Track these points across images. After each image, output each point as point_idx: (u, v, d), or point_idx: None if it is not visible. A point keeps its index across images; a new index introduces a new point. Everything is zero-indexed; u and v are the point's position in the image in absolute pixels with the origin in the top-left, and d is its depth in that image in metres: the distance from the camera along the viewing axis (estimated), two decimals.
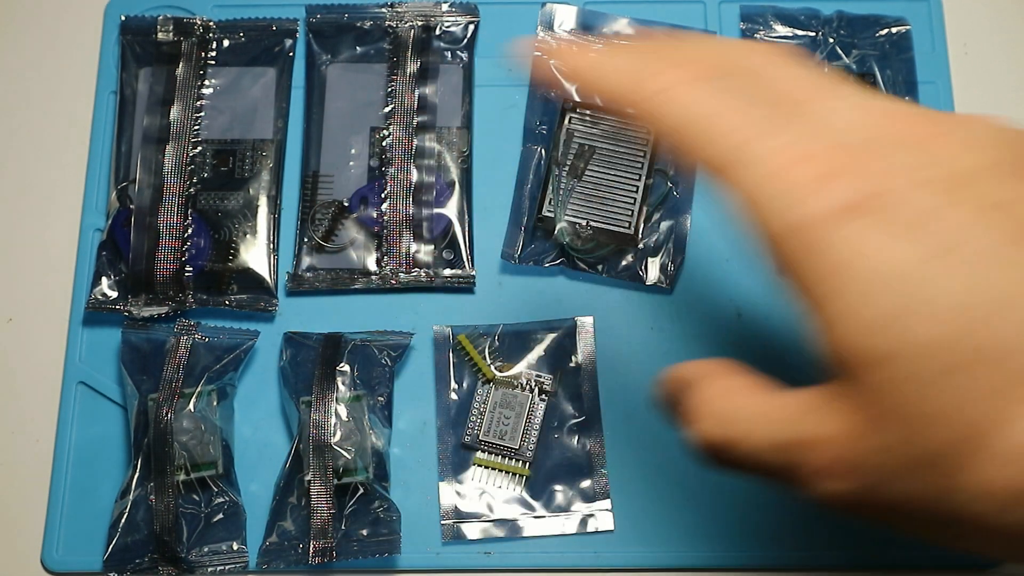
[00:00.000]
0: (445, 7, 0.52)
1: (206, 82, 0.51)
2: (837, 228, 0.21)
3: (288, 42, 0.52)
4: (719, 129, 0.24)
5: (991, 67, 0.53)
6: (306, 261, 0.49)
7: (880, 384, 0.21)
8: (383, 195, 0.49)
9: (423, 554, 0.45)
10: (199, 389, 0.45)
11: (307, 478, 0.44)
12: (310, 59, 0.52)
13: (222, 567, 0.44)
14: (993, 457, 0.20)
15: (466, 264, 0.49)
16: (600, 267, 0.49)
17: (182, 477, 0.44)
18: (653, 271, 0.49)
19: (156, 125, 0.50)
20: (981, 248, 0.20)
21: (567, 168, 0.49)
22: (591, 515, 0.46)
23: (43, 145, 0.52)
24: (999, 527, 0.20)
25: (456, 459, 0.46)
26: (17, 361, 0.49)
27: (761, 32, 0.52)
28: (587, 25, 0.52)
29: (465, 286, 0.49)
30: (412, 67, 0.51)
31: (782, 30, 0.52)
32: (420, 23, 0.52)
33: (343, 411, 0.45)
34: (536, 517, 0.46)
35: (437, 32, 0.52)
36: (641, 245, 0.49)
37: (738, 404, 0.25)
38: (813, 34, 0.52)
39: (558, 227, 0.48)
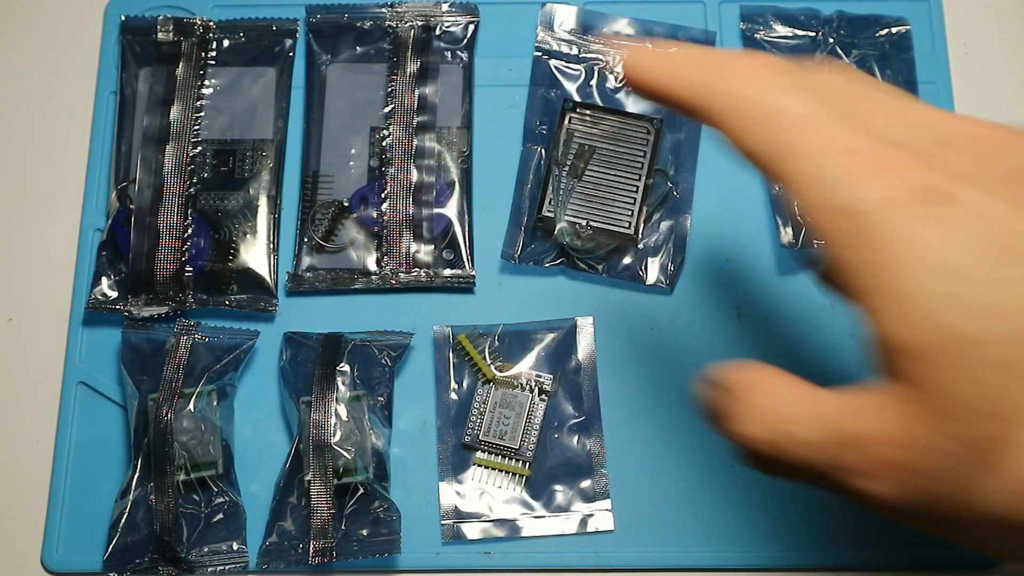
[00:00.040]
0: (445, 7, 0.52)
1: (206, 82, 0.51)
2: (895, 217, 0.21)
3: (288, 42, 0.52)
4: (788, 114, 0.24)
5: (991, 67, 0.53)
6: (306, 261, 0.49)
7: (934, 377, 0.21)
8: (383, 195, 0.49)
9: (423, 554, 0.45)
10: (199, 389, 0.45)
11: (307, 478, 0.44)
12: (310, 59, 0.52)
13: (222, 567, 0.44)
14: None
15: (466, 264, 0.49)
16: (600, 267, 0.49)
17: (182, 477, 0.44)
18: (653, 271, 0.49)
19: (156, 125, 0.50)
20: None
21: (567, 168, 0.49)
22: (591, 515, 0.46)
23: (43, 145, 0.52)
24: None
25: (456, 459, 0.46)
26: (17, 361, 0.49)
27: (761, 32, 0.52)
28: (587, 25, 0.52)
29: (465, 286, 0.49)
30: (412, 67, 0.51)
31: (782, 30, 0.52)
32: (420, 23, 0.52)
33: (343, 411, 0.45)
34: (536, 517, 0.46)
35: (437, 32, 0.52)
36: (641, 245, 0.49)
37: (784, 403, 0.24)
38: (813, 34, 0.52)
39: (558, 227, 0.48)
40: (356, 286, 0.49)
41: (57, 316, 0.49)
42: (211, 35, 0.52)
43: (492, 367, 0.47)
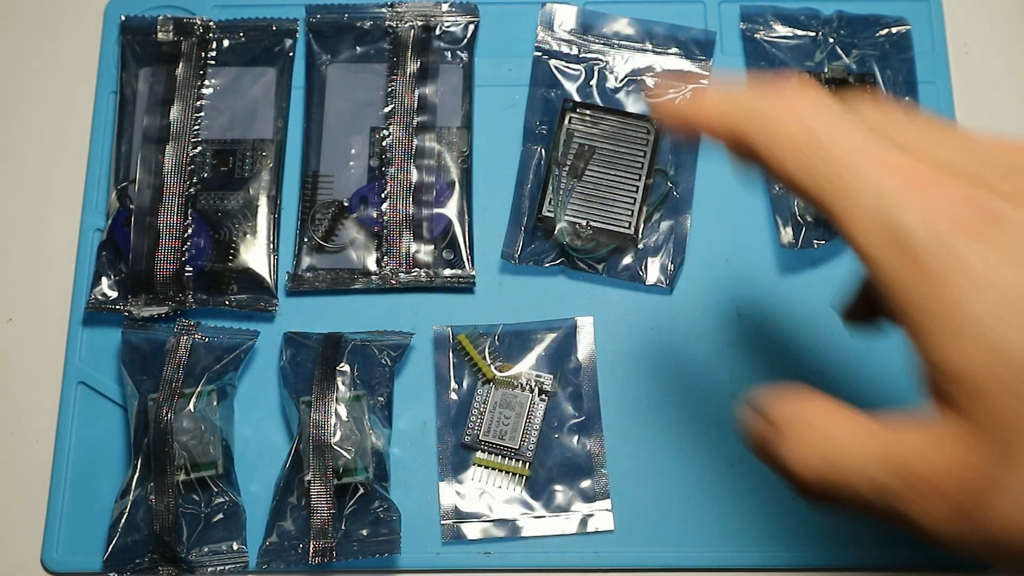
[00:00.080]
0: (445, 7, 0.52)
1: (206, 82, 0.51)
2: (947, 238, 0.21)
3: (288, 42, 0.52)
4: (835, 142, 0.24)
5: (991, 67, 0.53)
6: (306, 261, 0.49)
7: (992, 408, 0.20)
8: (383, 195, 0.49)
9: (423, 554, 0.45)
10: (199, 389, 0.45)
11: (307, 478, 0.44)
12: (310, 59, 0.52)
13: (222, 567, 0.44)
14: None
15: (466, 264, 0.49)
16: (600, 267, 0.49)
17: (182, 477, 0.44)
18: (653, 271, 0.49)
19: (156, 125, 0.50)
20: None
21: (567, 168, 0.49)
22: (591, 515, 0.46)
23: (43, 145, 0.52)
24: None
25: (456, 459, 0.46)
26: (17, 361, 0.49)
27: (761, 32, 0.52)
28: (587, 25, 0.52)
29: (465, 286, 0.49)
30: (412, 67, 0.51)
31: (782, 30, 0.52)
32: (420, 23, 0.52)
33: (343, 411, 0.45)
34: (536, 517, 0.46)
35: (437, 32, 0.52)
36: (641, 245, 0.49)
37: (836, 438, 0.24)
38: (813, 34, 0.52)
39: (558, 227, 0.48)
40: (356, 286, 0.49)
41: (57, 316, 0.49)
42: (211, 35, 0.52)
43: (492, 367, 0.47)
